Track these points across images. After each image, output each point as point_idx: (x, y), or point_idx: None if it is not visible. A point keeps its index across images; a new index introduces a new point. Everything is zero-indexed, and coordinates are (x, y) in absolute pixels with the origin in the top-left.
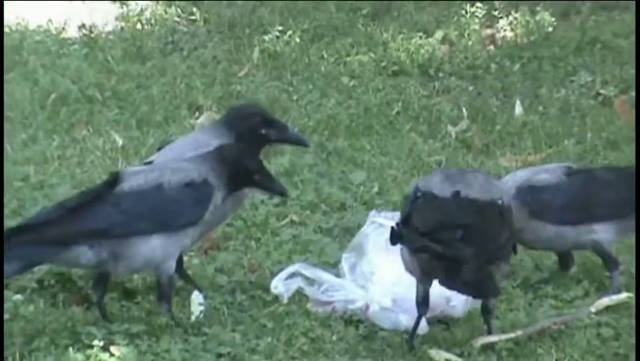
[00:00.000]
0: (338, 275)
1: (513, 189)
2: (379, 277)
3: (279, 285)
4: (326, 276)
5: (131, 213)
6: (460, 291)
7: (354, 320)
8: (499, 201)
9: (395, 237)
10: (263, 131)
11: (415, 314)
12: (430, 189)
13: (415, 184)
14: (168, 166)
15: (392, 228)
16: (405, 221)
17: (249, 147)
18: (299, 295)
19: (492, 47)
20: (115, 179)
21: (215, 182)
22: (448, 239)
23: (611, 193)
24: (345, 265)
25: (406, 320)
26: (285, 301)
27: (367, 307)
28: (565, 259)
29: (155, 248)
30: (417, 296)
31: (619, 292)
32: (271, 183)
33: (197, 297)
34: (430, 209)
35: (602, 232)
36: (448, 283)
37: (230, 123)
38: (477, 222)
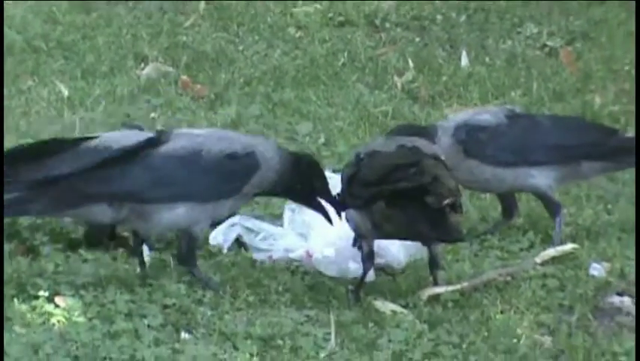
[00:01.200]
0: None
1: (451, 129)
2: (320, 227)
3: (218, 236)
4: (265, 225)
5: (161, 179)
6: (425, 235)
7: (300, 270)
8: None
9: (339, 204)
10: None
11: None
12: (373, 148)
13: (354, 152)
14: (216, 133)
15: (334, 200)
16: (349, 182)
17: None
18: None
19: None
20: (159, 138)
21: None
22: (404, 175)
23: (551, 139)
24: (286, 215)
25: (355, 268)
26: (225, 250)
27: (309, 255)
28: (509, 208)
29: (179, 215)
30: (362, 253)
31: (562, 238)
32: (324, 210)
33: (144, 249)
34: (378, 160)
35: (541, 177)
36: (415, 227)
37: None
38: (427, 162)
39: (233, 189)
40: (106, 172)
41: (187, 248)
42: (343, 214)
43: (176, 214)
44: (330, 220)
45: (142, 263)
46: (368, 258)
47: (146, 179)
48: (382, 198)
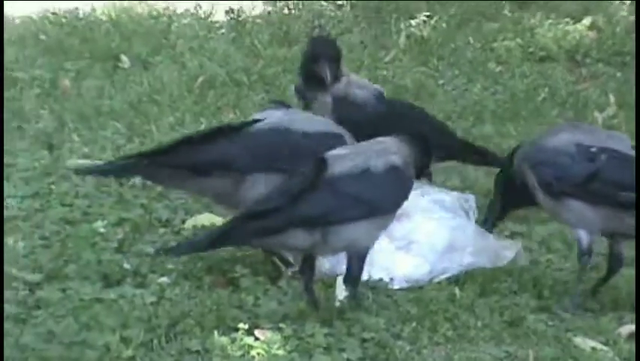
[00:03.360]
0: None
1: None
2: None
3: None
4: None
5: (346, 197)
6: None
7: (498, 305)
8: None
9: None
10: None
11: None
12: (610, 146)
13: (569, 139)
14: (372, 148)
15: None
16: (592, 177)
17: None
18: (444, 281)
19: None
20: (322, 164)
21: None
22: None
23: None
24: None
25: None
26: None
27: None
28: None
29: (362, 231)
30: (582, 247)
31: None
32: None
33: (341, 282)
34: (622, 165)
35: None
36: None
37: None
38: None
39: (402, 200)
40: (297, 200)
41: (359, 267)
42: None
43: (359, 230)
44: None
45: (314, 302)
46: (588, 252)
47: (333, 200)
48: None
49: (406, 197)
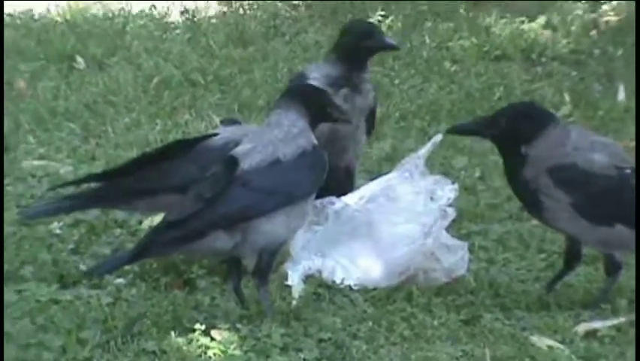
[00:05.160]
0: None
1: None
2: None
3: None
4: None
5: (260, 191)
6: None
7: (455, 304)
8: None
9: None
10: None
11: None
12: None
13: (603, 160)
14: (277, 137)
15: None
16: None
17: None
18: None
19: (595, 32)
20: (231, 161)
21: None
22: None
23: None
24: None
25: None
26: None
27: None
28: None
29: (281, 223)
30: (619, 262)
31: None
32: (340, 112)
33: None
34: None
35: None
36: None
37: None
38: None
39: (319, 183)
40: (214, 202)
41: (270, 262)
42: None
43: (276, 223)
44: None
45: (243, 302)
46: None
47: (248, 195)
48: None
49: (321, 179)
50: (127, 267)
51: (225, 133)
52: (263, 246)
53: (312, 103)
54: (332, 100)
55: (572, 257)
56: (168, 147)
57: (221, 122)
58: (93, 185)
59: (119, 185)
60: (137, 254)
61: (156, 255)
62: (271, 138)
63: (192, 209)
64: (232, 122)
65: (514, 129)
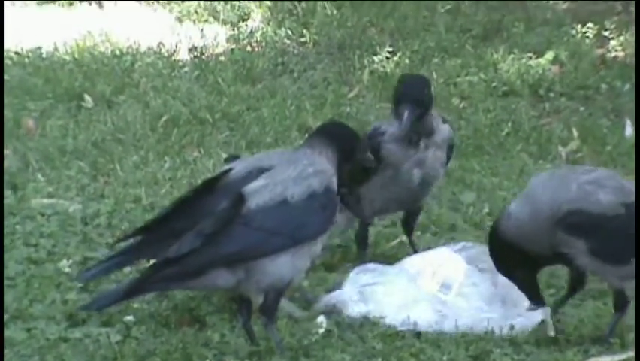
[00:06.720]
0: None
1: None
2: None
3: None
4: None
5: (263, 232)
6: None
7: (464, 340)
8: None
9: None
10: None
11: None
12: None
13: (612, 200)
14: (290, 176)
15: None
16: None
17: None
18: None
19: (603, 68)
20: (239, 199)
21: (331, 170)
22: None
23: None
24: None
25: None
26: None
27: None
28: None
29: (286, 263)
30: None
31: None
32: (367, 161)
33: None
34: None
35: None
36: None
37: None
38: None
39: (328, 225)
40: (215, 239)
41: (276, 299)
42: None
43: (281, 263)
44: None
45: (252, 339)
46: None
47: (251, 234)
48: None
49: (330, 221)
50: (136, 304)
51: (252, 162)
52: (268, 285)
53: (344, 146)
54: (363, 145)
55: (577, 283)
56: (204, 184)
57: (226, 160)
58: (138, 237)
59: (159, 233)
60: (133, 290)
61: (152, 291)
62: (284, 177)
63: (191, 245)
64: (236, 159)
65: None
